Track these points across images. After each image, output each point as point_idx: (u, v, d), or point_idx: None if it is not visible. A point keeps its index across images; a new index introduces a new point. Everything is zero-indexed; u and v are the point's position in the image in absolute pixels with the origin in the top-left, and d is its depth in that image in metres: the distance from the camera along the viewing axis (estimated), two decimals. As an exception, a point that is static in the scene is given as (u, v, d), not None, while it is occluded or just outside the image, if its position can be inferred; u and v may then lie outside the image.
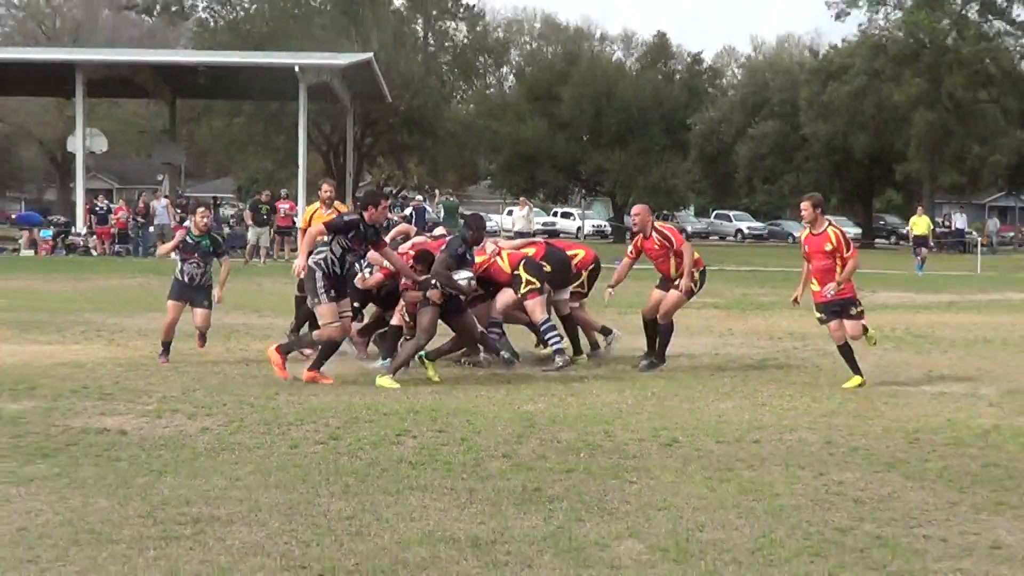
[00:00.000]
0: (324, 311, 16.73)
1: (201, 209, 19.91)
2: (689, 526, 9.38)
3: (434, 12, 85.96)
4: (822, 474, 11.58)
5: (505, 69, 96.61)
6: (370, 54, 63.70)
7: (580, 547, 8.71)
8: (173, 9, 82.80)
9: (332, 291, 16.82)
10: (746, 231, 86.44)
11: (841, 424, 15.07)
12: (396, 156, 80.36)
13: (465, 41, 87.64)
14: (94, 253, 50.10)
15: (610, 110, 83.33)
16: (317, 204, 22.56)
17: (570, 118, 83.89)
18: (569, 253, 22.26)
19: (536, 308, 20.20)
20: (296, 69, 62.80)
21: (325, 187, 22.95)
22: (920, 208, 54.25)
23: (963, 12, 74.85)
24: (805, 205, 17.98)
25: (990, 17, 76.17)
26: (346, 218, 17.47)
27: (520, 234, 39.39)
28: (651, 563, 8.41)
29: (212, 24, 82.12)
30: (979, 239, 62.69)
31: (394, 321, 19.84)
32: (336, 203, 22.24)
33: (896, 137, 72.43)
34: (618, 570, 8.21)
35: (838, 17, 78.52)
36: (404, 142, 77.99)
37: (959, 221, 75.55)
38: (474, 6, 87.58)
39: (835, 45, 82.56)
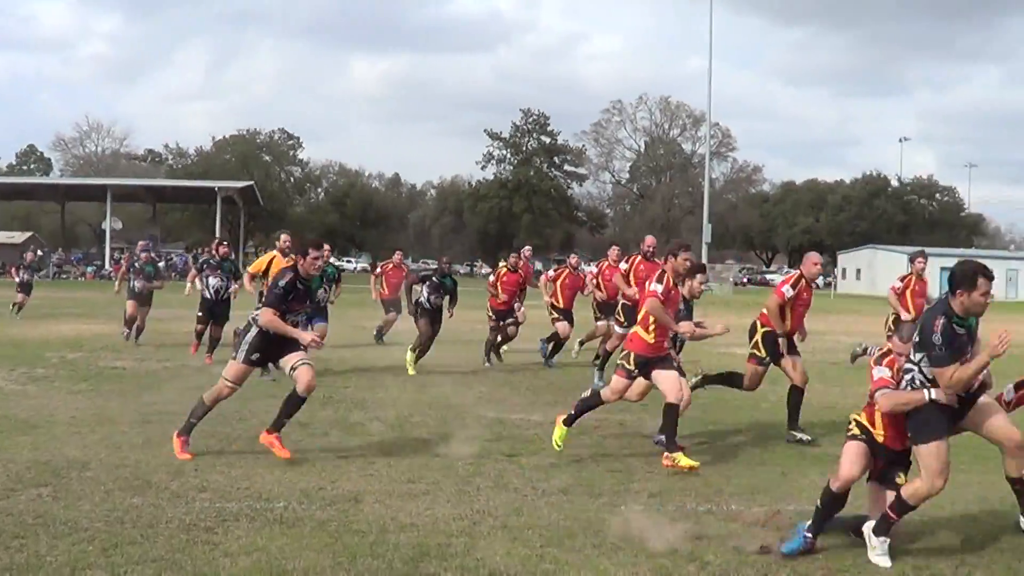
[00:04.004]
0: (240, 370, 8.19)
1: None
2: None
3: (285, 163, 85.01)
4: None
5: (319, 189, 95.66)
6: (252, 182, 66.43)
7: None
8: (155, 159, 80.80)
9: (256, 354, 8.16)
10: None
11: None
12: (264, 232, 79.86)
13: (297, 176, 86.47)
14: (112, 279, 50.05)
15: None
16: (275, 252, 13.39)
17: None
18: None
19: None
20: (216, 188, 68.38)
21: (284, 237, 13.80)
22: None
23: (539, 166, 78.44)
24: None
25: (553, 169, 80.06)
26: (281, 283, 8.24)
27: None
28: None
29: (176, 167, 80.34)
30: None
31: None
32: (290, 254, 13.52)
33: (510, 226, 75.03)
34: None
35: (483, 168, 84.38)
36: (268, 226, 77.53)
37: (539, 264, 78.28)
38: (305, 160, 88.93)
39: (480, 180, 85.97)
